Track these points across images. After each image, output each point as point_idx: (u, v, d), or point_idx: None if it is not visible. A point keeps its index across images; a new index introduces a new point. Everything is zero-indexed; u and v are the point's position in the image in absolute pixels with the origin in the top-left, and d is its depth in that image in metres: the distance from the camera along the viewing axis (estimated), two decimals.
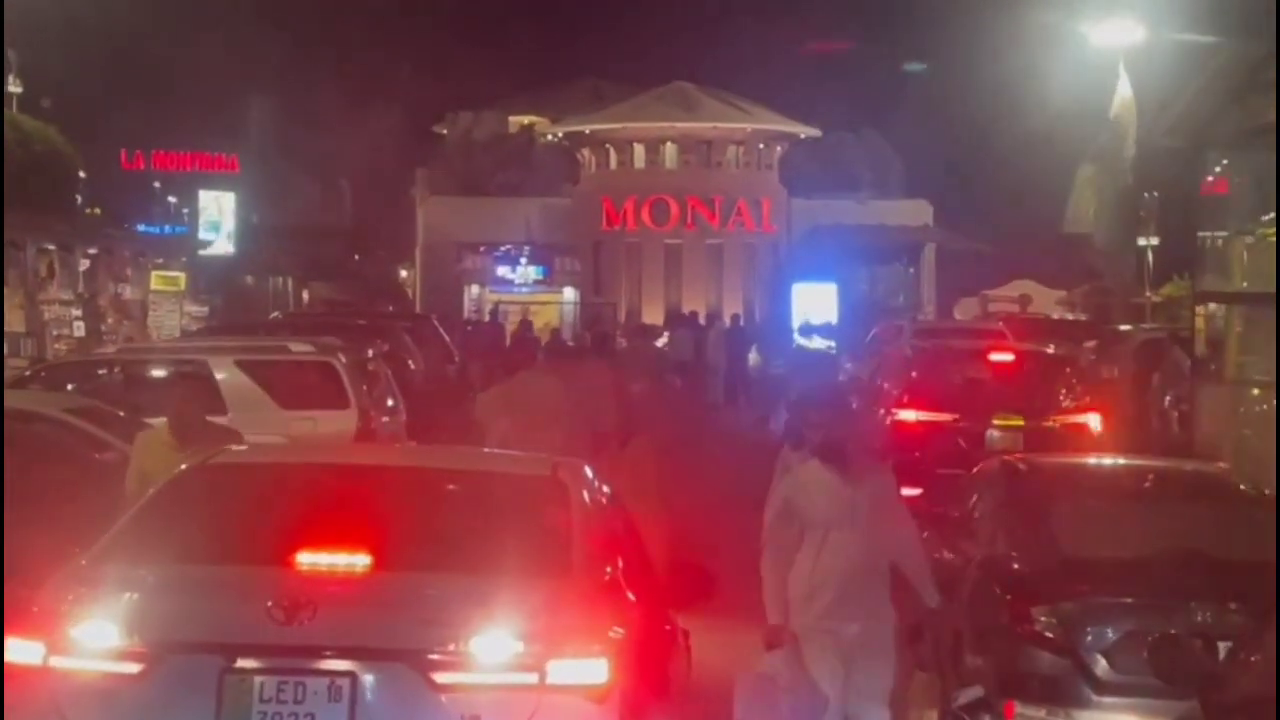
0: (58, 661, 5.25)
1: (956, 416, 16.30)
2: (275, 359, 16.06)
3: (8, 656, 5.28)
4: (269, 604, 5.22)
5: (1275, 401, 16.47)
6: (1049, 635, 8.25)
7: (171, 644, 5.18)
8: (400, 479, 6.47)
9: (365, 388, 16.21)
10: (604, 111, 52.75)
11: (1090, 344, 25.08)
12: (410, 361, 22.36)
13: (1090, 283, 46.82)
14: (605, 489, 6.83)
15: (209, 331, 25.85)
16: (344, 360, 15.91)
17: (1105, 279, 45.69)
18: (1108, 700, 8.14)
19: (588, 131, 52.57)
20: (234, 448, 7.85)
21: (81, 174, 38.31)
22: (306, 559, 5.48)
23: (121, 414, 13.91)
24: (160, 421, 9.45)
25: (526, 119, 56.46)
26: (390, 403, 17.47)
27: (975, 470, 10.53)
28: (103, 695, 5.20)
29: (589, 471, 6.86)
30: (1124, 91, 30.69)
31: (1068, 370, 18.52)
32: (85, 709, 5.19)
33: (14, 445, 11.19)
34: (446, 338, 27.58)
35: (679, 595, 6.82)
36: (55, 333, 29.01)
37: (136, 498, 7.65)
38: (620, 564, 6.14)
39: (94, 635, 5.28)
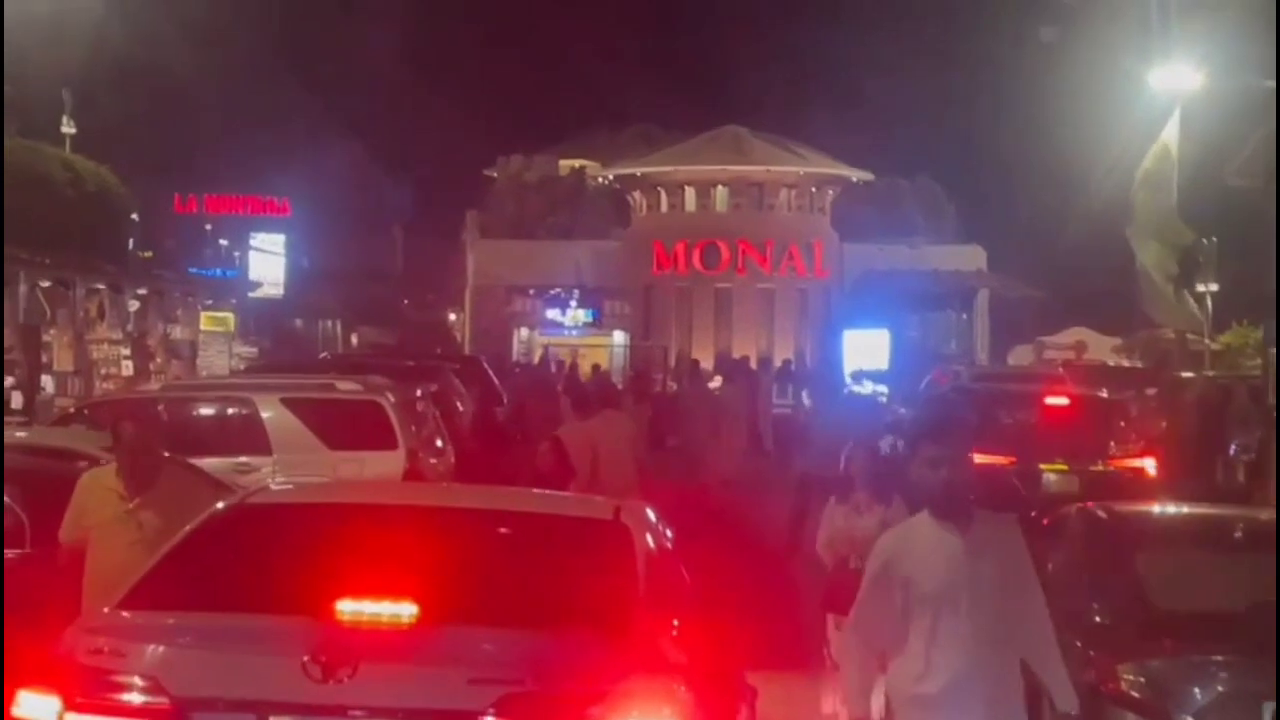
0: (74, 718, 4.84)
1: (1013, 459, 16.17)
2: (322, 398, 15.69)
3: (19, 712, 4.86)
4: (305, 659, 4.78)
5: None
6: (1136, 695, 7.73)
7: (200, 699, 4.75)
8: (450, 521, 5.96)
9: (413, 428, 15.85)
10: (655, 154, 52.59)
11: (1151, 391, 24.50)
12: (459, 403, 22.04)
13: (1146, 330, 46.16)
14: (668, 532, 6.38)
15: (256, 370, 25.60)
16: (392, 400, 15.55)
17: (1162, 326, 45.02)
18: None
19: (639, 174, 52.37)
20: (272, 486, 7.60)
21: (134, 216, 38.33)
22: (348, 608, 5.00)
23: (166, 454, 13.62)
24: (111, 464, 8.48)
25: (577, 162, 56.34)
26: (439, 444, 17.12)
27: (1049, 518, 10.04)
28: None
29: (652, 514, 6.42)
30: (1169, 137, 30.22)
31: (1121, 415, 18.59)
32: None
33: (53, 483, 10.91)
34: (495, 380, 27.26)
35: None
36: (103, 371, 28.89)
37: (71, 540, 7.80)
38: (687, 614, 5.69)
39: (115, 690, 4.84)
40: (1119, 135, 36.32)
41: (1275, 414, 19.13)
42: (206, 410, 15.98)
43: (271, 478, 14.90)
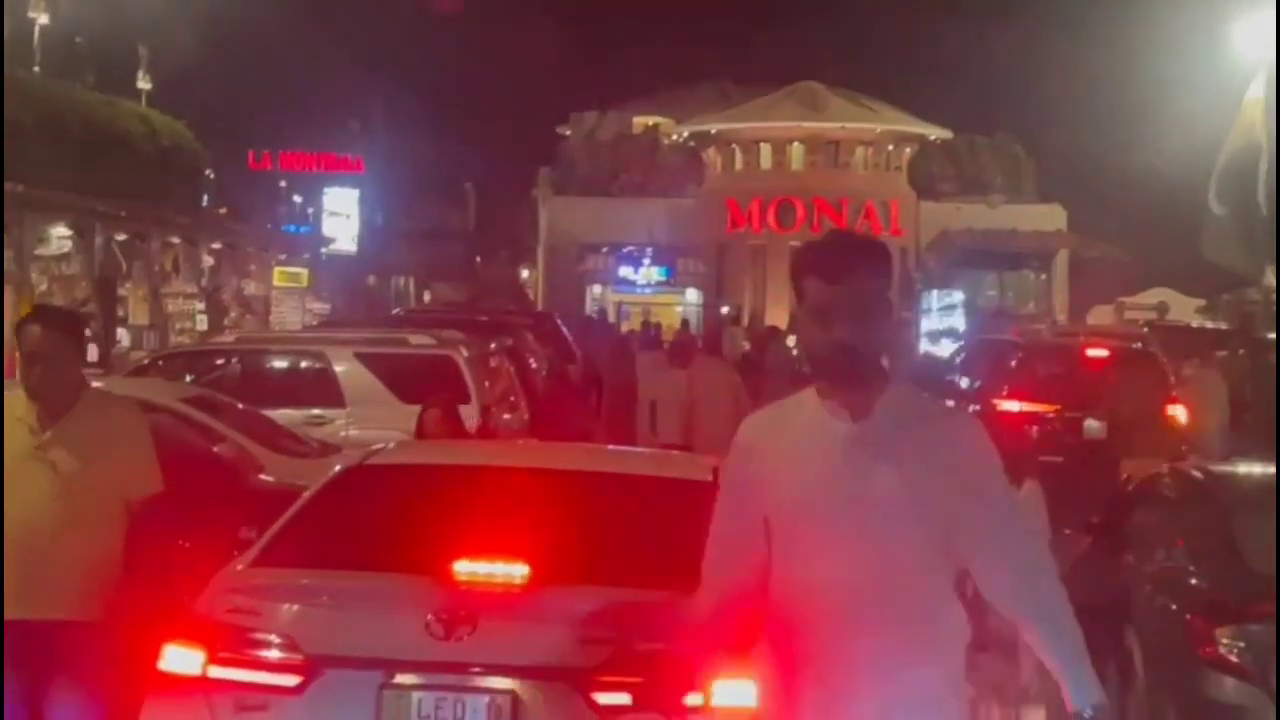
0: (217, 672, 5.09)
1: (1058, 407, 17.62)
2: (395, 352, 15.58)
3: (166, 664, 5.15)
4: (429, 618, 5.02)
5: None
6: (1235, 660, 7.45)
7: (331, 657, 5.01)
8: (557, 482, 6.13)
9: (487, 383, 15.70)
10: (730, 111, 52.17)
11: (1242, 352, 23.94)
12: (532, 359, 21.89)
13: (1231, 290, 45.39)
14: None
15: (328, 325, 25.60)
16: (465, 354, 15.41)
17: (1248, 286, 44.26)
18: None
19: (713, 131, 51.99)
20: (388, 446, 7.29)
21: (209, 173, 38.45)
22: (464, 568, 5.25)
23: (239, 405, 13.58)
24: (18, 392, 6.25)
25: (651, 119, 56.02)
26: (512, 399, 16.97)
27: (1140, 479, 9.73)
28: (259, 707, 5.05)
29: None
30: (1255, 93, 29.48)
31: (1154, 368, 19.47)
32: None
33: None
34: (569, 336, 27.11)
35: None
36: (178, 326, 29.00)
37: None
38: None
39: (253, 646, 5.11)
40: (1202, 91, 35.62)
41: None
42: (280, 363, 15.93)
43: (345, 430, 14.88)
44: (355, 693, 4.97)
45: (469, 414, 14.95)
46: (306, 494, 6.08)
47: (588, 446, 9.42)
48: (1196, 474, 9.14)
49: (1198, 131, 38.12)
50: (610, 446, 10.77)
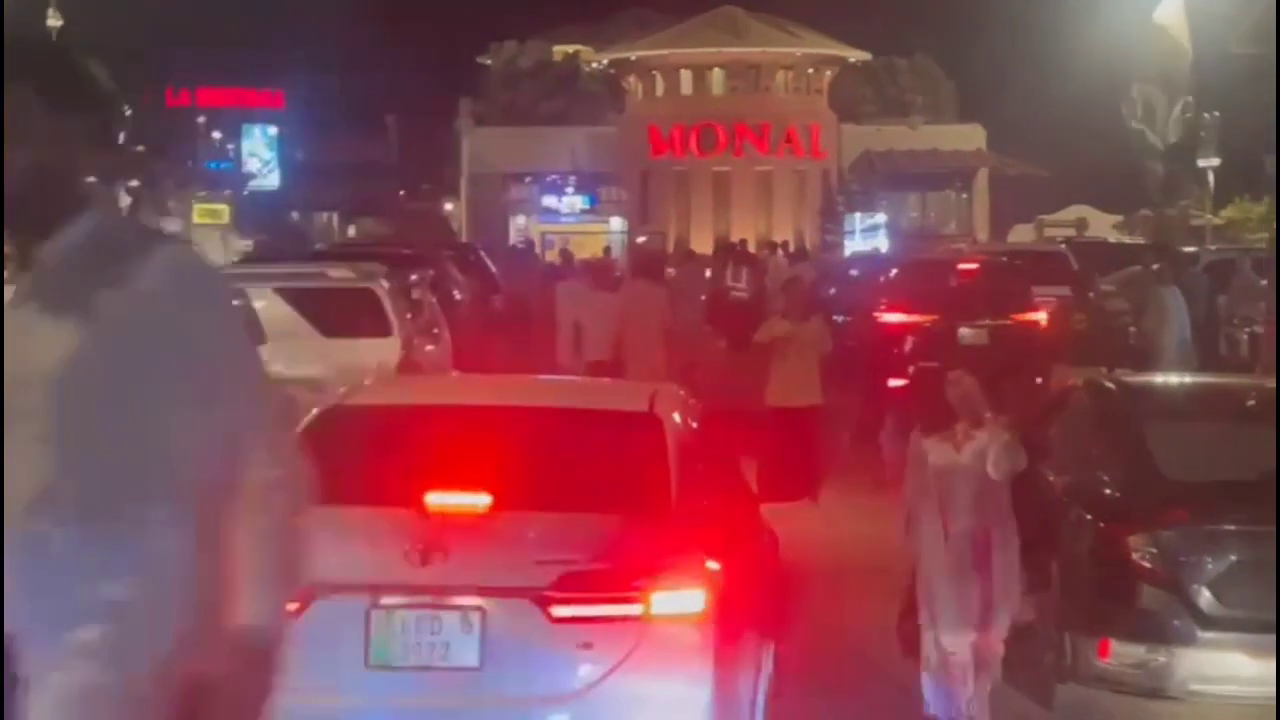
0: None
1: (934, 317, 18.65)
2: (315, 286, 15.49)
3: None
4: (407, 548, 5.74)
5: None
6: (1148, 566, 7.59)
7: (327, 585, 5.56)
8: (510, 417, 6.84)
9: (409, 315, 15.65)
10: (650, 38, 51.90)
11: (1155, 267, 24.13)
12: (455, 291, 21.81)
13: (1148, 206, 45.84)
14: (698, 417, 7.16)
15: (248, 261, 25.35)
16: (386, 286, 15.34)
17: (1164, 202, 44.73)
18: (1213, 636, 7.48)
19: (633, 58, 51.74)
20: (364, 385, 8.13)
21: (126, 110, 37.76)
22: (435, 499, 5.92)
23: None
24: None
25: (571, 48, 55.65)
26: (435, 331, 16.92)
27: (1057, 391, 9.86)
28: None
29: (682, 398, 7.23)
30: (1163, 15, 29.72)
31: (1024, 278, 20.74)
32: None
33: None
34: (492, 267, 27.01)
35: (769, 493, 7.69)
36: None
37: None
38: (714, 490, 6.62)
39: None
40: (1116, 9, 35.79)
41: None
42: None
43: (267, 366, 14.76)
44: (349, 614, 5.69)
45: (390, 347, 14.99)
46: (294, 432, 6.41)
47: (542, 381, 10.22)
48: (1109, 385, 9.27)
49: (1113, 50, 38.34)
50: (560, 378, 11.63)
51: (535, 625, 5.65)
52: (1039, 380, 17.44)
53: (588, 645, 5.66)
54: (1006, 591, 7.54)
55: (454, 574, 5.72)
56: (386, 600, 5.75)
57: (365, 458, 6.44)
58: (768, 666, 7.01)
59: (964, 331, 18.48)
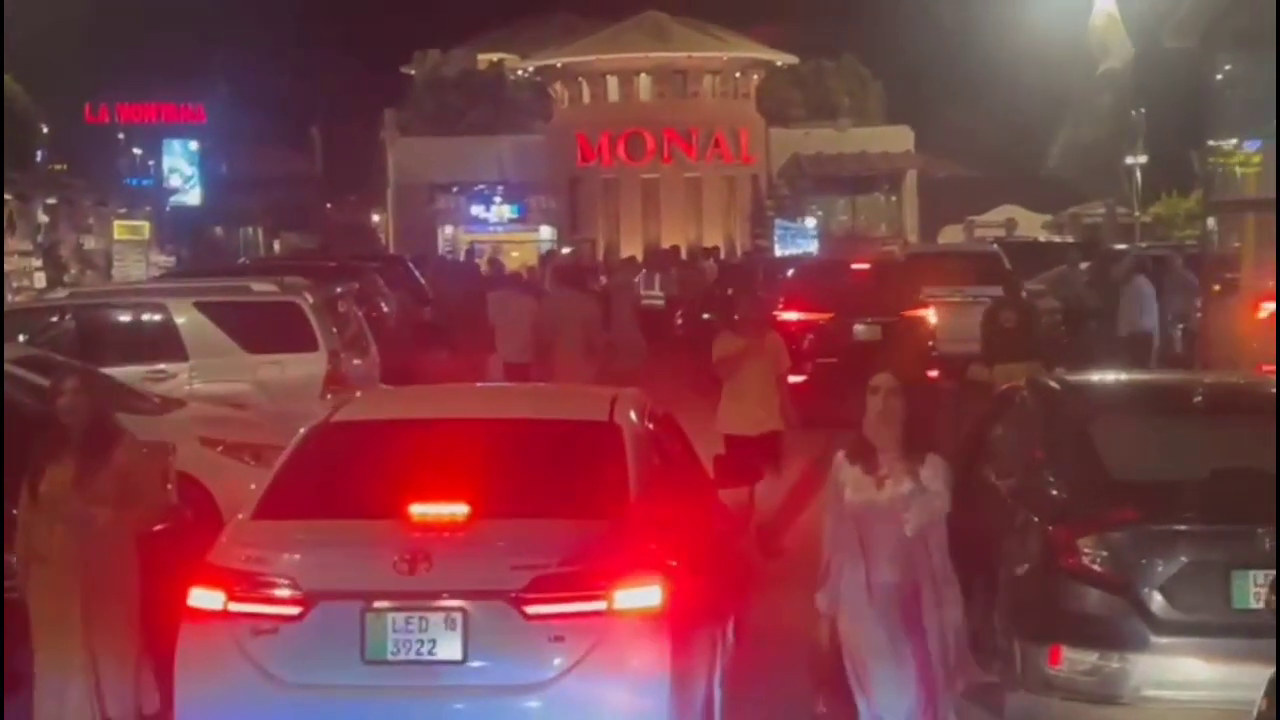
0: (235, 606, 6.52)
1: (830, 315, 19.61)
2: (237, 300, 15.09)
3: (194, 602, 6.57)
4: (395, 558, 6.41)
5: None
6: (1098, 569, 7.39)
7: (323, 592, 6.44)
8: (483, 430, 7.43)
9: (334, 329, 15.28)
10: (575, 44, 51.61)
11: (1084, 265, 24.17)
12: (383, 303, 21.44)
13: (1076, 205, 45.99)
14: (654, 418, 7.81)
15: (170, 276, 24.87)
16: (310, 300, 14.97)
17: (1091, 201, 44.91)
18: (1166, 641, 7.28)
19: (559, 65, 51.44)
20: (351, 400, 8.79)
21: (44, 128, 37.13)
22: (418, 510, 6.57)
23: (75, 364, 13.06)
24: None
25: (496, 55, 55.27)
26: (362, 345, 16.57)
27: (999, 391, 9.66)
28: (270, 631, 6.47)
29: (640, 404, 7.79)
30: (1107, 5, 29.85)
31: (913, 277, 21.82)
32: (257, 643, 6.45)
33: None
34: (421, 279, 26.62)
35: (726, 479, 8.58)
36: (15, 285, 28.03)
37: None
38: (672, 486, 7.36)
39: (263, 586, 6.51)
40: (1044, 9, 35.84)
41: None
42: (116, 317, 15.35)
43: (189, 384, 14.42)
44: (345, 617, 6.42)
45: (316, 362, 14.63)
46: (286, 450, 7.42)
47: (511, 390, 11.30)
48: (1054, 385, 9.06)
49: (1041, 50, 38.39)
50: (528, 387, 12.66)
51: (511, 622, 6.34)
52: (933, 374, 18.38)
53: (559, 639, 6.32)
54: (945, 662, 6.41)
55: (438, 580, 6.40)
56: (379, 604, 6.42)
57: (355, 473, 7.23)
58: (727, 645, 7.60)
59: (858, 328, 19.38)
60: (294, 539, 6.80)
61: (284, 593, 6.49)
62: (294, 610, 6.46)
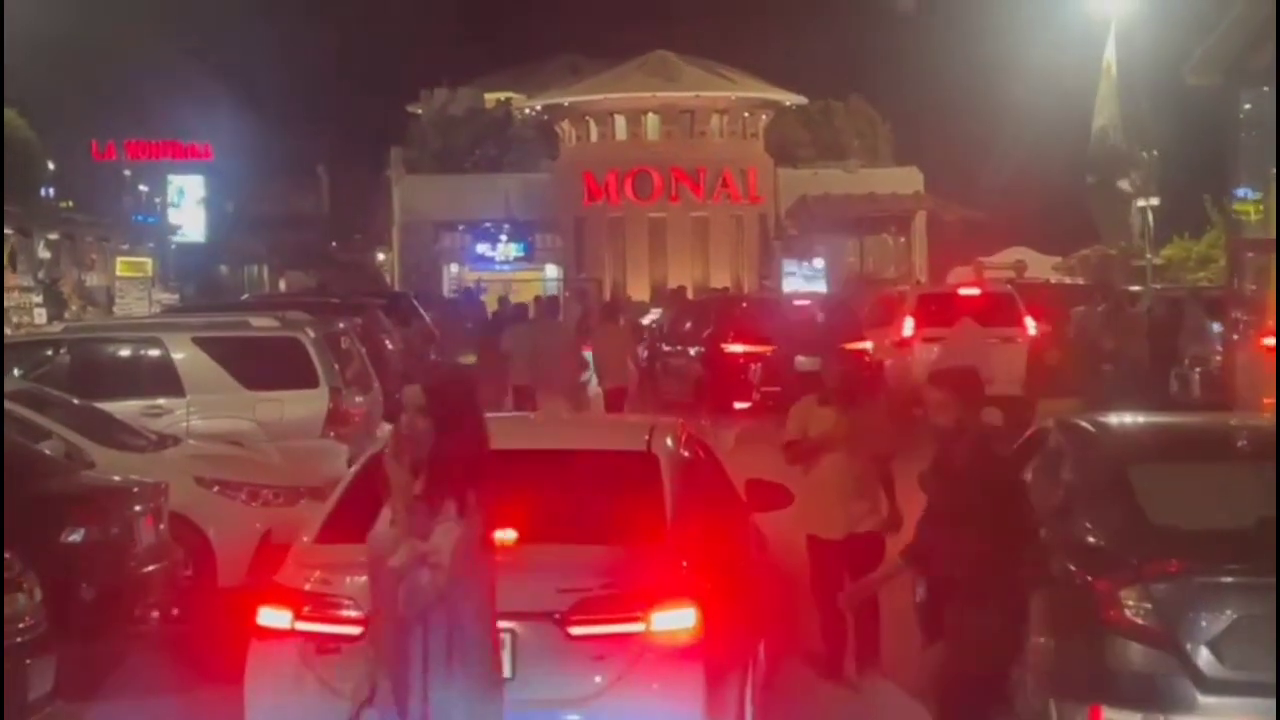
0: (301, 625, 6.88)
1: (774, 348, 21.16)
2: (236, 335, 14.76)
3: (264, 620, 6.94)
4: None
5: None
6: (1142, 623, 6.96)
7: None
8: (529, 460, 7.58)
9: (336, 366, 14.92)
10: (583, 83, 51.45)
11: (1101, 308, 23.83)
12: (387, 340, 21.09)
13: (1087, 247, 45.63)
14: (690, 445, 8.20)
15: (169, 312, 24.55)
16: (312, 335, 14.62)
17: (1103, 243, 44.53)
18: (1214, 701, 6.85)
19: (566, 104, 51.26)
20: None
21: (50, 165, 36.91)
22: None
23: (71, 400, 12.72)
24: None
25: (503, 94, 55.10)
26: (365, 381, 16.20)
27: (1029, 432, 9.23)
28: (333, 649, 6.75)
29: (676, 433, 8.18)
30: (1109, 54, 29.72)
31: (853, 312, 23.72)
32: (320, 660, 6.78)
33: None
34: (426, 316, 26.30)
35: (759, 503, 8.85)
36: (15, 320, 27.75)
37: None
38: (706, 511, 7.66)
39: (326, 607, 6.85)
40: (1054, 50, 35.63)
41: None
42: (113, 352, 15.02)
43: (187, 420, 14.10)
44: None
45: (318, 399, 14.27)
46: (347, 476, 7.81)
47: (556, 421, 11.82)
48: (1086, 425, 8.63)
49: (1051, 91, 38.14)
50: (571, 418, 13.67)
51: (556, 642, 6.74)
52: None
53: (600, 658, 6.74)
54: None
55: None
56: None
57: None
58: (759, 664, 8.03)
59: (801, 359, 20.12)
60: (355, 561, 6.80)
61: (346, 613, 6.80)
62: (355, 630, 6.70)
